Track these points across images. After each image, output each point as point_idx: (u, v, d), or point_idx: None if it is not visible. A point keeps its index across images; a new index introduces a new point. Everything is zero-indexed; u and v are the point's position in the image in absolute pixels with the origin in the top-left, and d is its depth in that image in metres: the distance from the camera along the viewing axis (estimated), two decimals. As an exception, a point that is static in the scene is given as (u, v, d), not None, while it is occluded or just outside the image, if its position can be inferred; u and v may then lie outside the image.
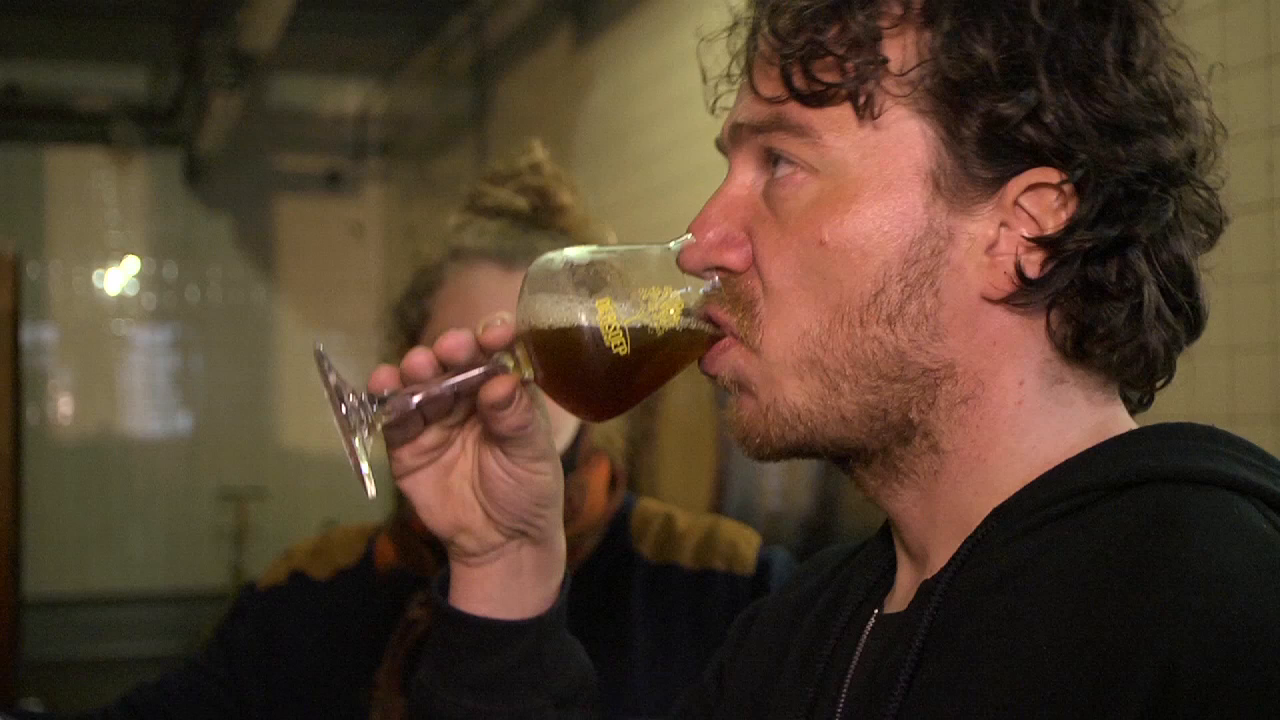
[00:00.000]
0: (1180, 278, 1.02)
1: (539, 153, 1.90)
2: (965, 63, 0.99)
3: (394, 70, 9.45)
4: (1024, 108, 0.98)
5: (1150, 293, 1.00)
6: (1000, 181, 1.00)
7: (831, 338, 1.03)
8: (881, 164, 1.02)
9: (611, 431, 1.93)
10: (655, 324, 1.10)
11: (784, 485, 3.42)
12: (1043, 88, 0.97)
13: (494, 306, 1.78)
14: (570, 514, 1.82)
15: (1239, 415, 2.62)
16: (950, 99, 1.00)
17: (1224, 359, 2.64)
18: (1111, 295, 0.99)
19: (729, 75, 1.14)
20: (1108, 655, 0.86)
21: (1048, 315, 1.02)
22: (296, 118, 10.42)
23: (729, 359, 1.09)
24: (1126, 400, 1.09)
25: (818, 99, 1.03)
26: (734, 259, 1.09)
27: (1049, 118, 0.98)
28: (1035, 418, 1.02)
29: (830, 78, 1.02)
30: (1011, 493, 1.01)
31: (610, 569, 1.84)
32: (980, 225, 1.01)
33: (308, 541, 1.95)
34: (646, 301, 1.10)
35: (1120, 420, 1.06)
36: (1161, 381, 1.07)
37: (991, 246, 1.01)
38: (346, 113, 10.32)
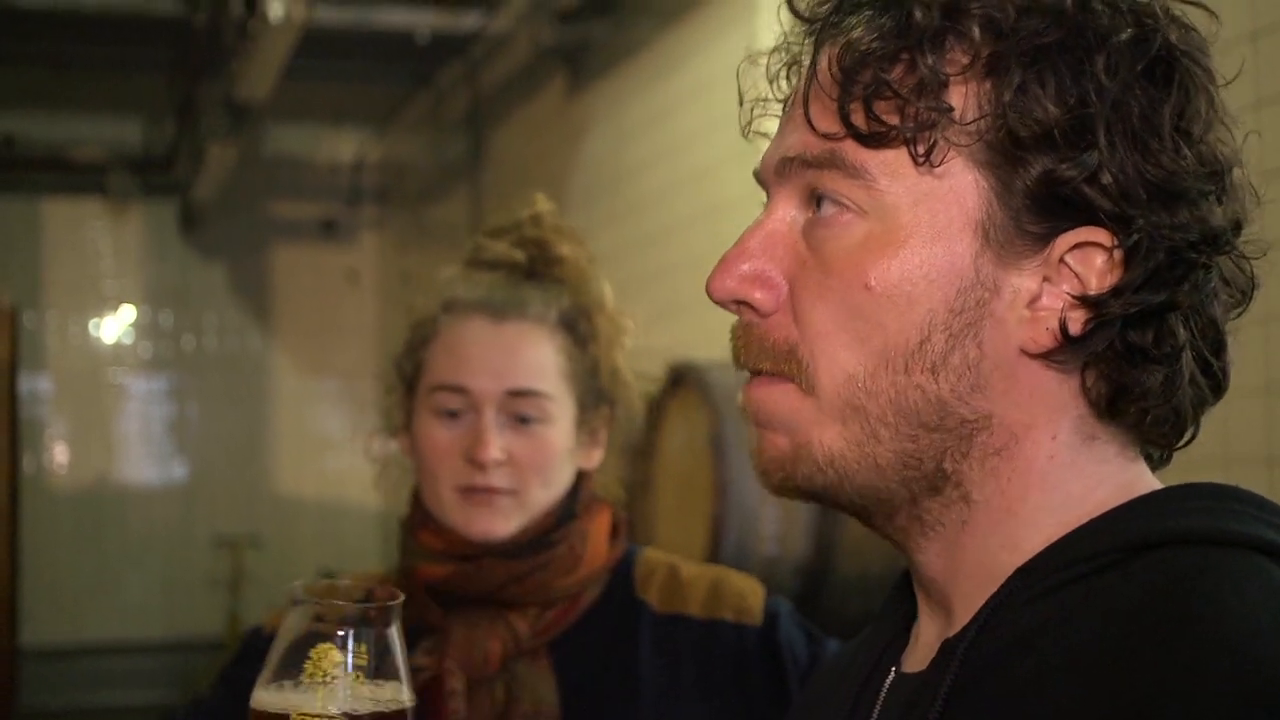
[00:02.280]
0: (1212, 341, 1.02)
1: (541, 205, 1.91)
2: (1030, 119, 0.98)
3: (389, 119, 9.49)
4: (1084, 170, 0.97)
5: (1186, 358, 1.00)
6: (1049, 237, 0.99)
7: (875, 383, 1.01)
8: (933, 212, 1.00)
9: (610, 480, 1.93)
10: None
11: (780, 531, 3.42)
12: (1102, 149, 0.97)
13: (482, 357, 1.79)
14: (573, 563, 1.83)
15: (1233, 459, 2.63)
16: (1010, 153, 0.99)
17: (1218, 404, 2.64)
18: (1150, 359, 0.99)
19: (775, 102, 1.12)
20: (1132, 717, 0.85)
21: (1083, 374, 1.01)
22: (292, 166, 10.44)
23: (778, 396, 1.06)
24: (1148, 458, 1.07)
25: (876, 140, 1.01)
26: (762, 298, 1.07)
27: (1106, 179, 0.97)
28: (1065, 473, 1.02)
29: (892, 119, 1.01)
30: (1037, 549, 1.00)
31: (616, 617, 1.85)
32: (1025, 279, 1.00)
33: (316, 585, 1.95)
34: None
35: (1145, 479, 1.05)
36: (1184, 441, 1.06)
37: (1034, 301, 1.00)
38: (341, 161, 10.35)
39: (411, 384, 1.87)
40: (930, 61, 1.00)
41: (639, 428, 1.91)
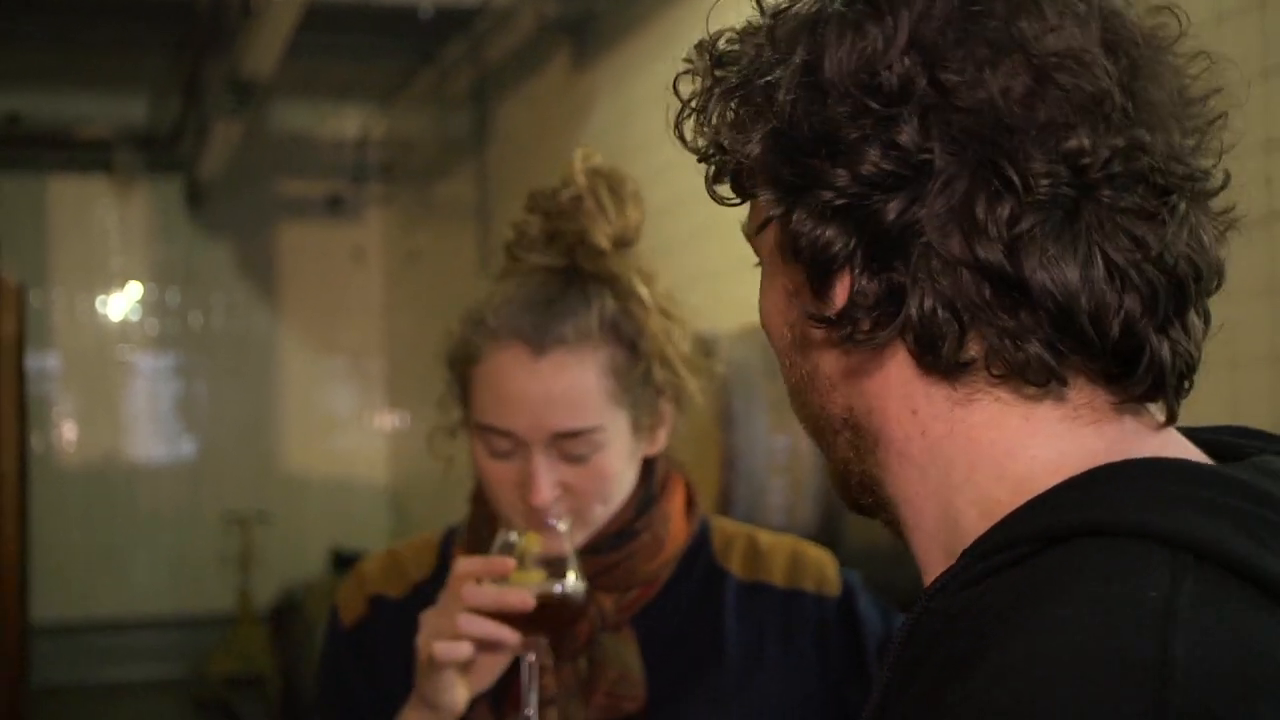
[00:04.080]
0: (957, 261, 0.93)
1: (579, 180, 1.82)
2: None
3: (393, 94, 9.48)
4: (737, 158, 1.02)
5: (930, 289, 0.93)
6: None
7: (796, 408, 1.07)
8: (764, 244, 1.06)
9: (677, 447, 1.91)
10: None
11: (788, 502, 3.43)
12: (750, 137, 1.00)
13: (523, 399, 1.74)
14: (657, 548, 1.83)
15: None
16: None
17: (1225, 374, 2.65)
18: (882, 306, 0.95)
19: None
20: None
21: (899, 338, 0.96)
22: (297, 143, 10.44)
23: None
24: (1170, 417, 0.99)
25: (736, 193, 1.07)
26: None
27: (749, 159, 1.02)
28: (955, 448, 0.97)
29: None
30: (979, 530, 0.95)
31: (699, 586, 1.85)
32: (786, 280, 1.03)
33: (375, 562, 1.94)
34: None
35: (1117, 448, 0.96)
36: (1142, 387, 0.95)
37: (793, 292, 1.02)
38: (347, 137, 10.34)
39: (465, 386, 1.82)
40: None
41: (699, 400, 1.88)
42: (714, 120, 1.03)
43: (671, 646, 1.82)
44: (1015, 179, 0.90)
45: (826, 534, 3.33)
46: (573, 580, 1.70)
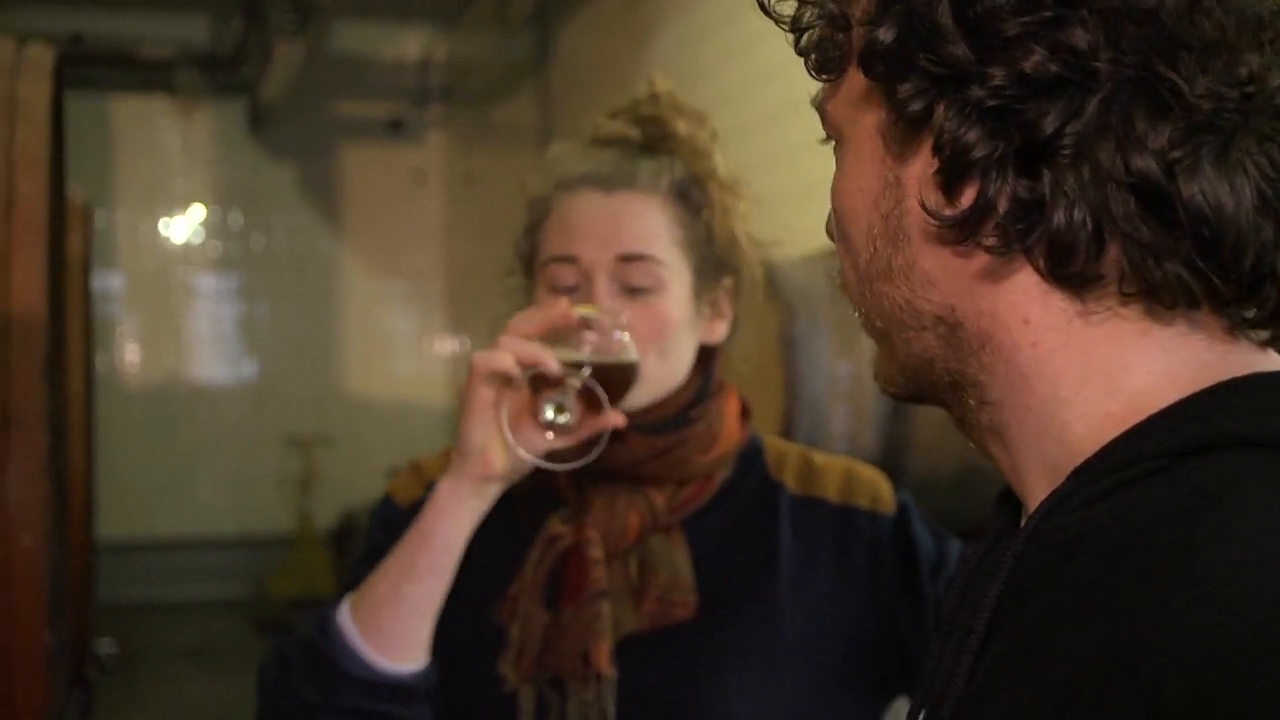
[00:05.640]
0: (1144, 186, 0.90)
1: (660, 85, 1.89)
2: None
3: (455, 16, 9.44)
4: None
5: (1079, 201, 0.90)
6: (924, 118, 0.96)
7: (864, 297, 1.04)
8: (854, 121, 1.02)
9: (735, 359, 1.92)
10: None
11: (851, 429, 3.41)
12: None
13: (591, 227, 1.79)
14: (710, 440, 1.83)
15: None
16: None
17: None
18: (1043, 204, 0.91)
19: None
20: (1109, 662, 0.81)
21: (1024, 248, 0.94)
22: (358, 65, 10.43)
23: None
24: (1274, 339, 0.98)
25: (818, 68, 1.05)
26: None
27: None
28: (1068, 360, 0.95)
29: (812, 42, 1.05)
30: (1092, 447, 0.94)
31: (753, 496, 1.86)
32: (915, 168, 0.97)
33: (434, 458, 1.96)
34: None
35: (1231, 363, 0.95)
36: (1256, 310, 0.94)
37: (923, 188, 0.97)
38: (408, 59, 10.33)
39: (529, 264, 1.86)
40: None
41: (760, 299, 1.89)
42: None
43: (723, 554, 1.82)
44: (1181, 96, 0.88)
45: (888, 463, 3.31)
46: (626, 340, 1.72)
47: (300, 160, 10.53)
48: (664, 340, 1.78)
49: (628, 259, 1.77)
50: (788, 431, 3.31)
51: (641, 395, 1.78)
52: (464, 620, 1.78)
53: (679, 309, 1.80)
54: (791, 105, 5.34)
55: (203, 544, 10.36)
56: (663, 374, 1.80)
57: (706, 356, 1.87)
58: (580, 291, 1.78)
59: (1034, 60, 0.89)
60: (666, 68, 6.16)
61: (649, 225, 1.80)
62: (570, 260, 1.79)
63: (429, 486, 1.86)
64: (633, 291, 1.77)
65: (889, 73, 0.94)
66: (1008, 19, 0.89)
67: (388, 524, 1.89)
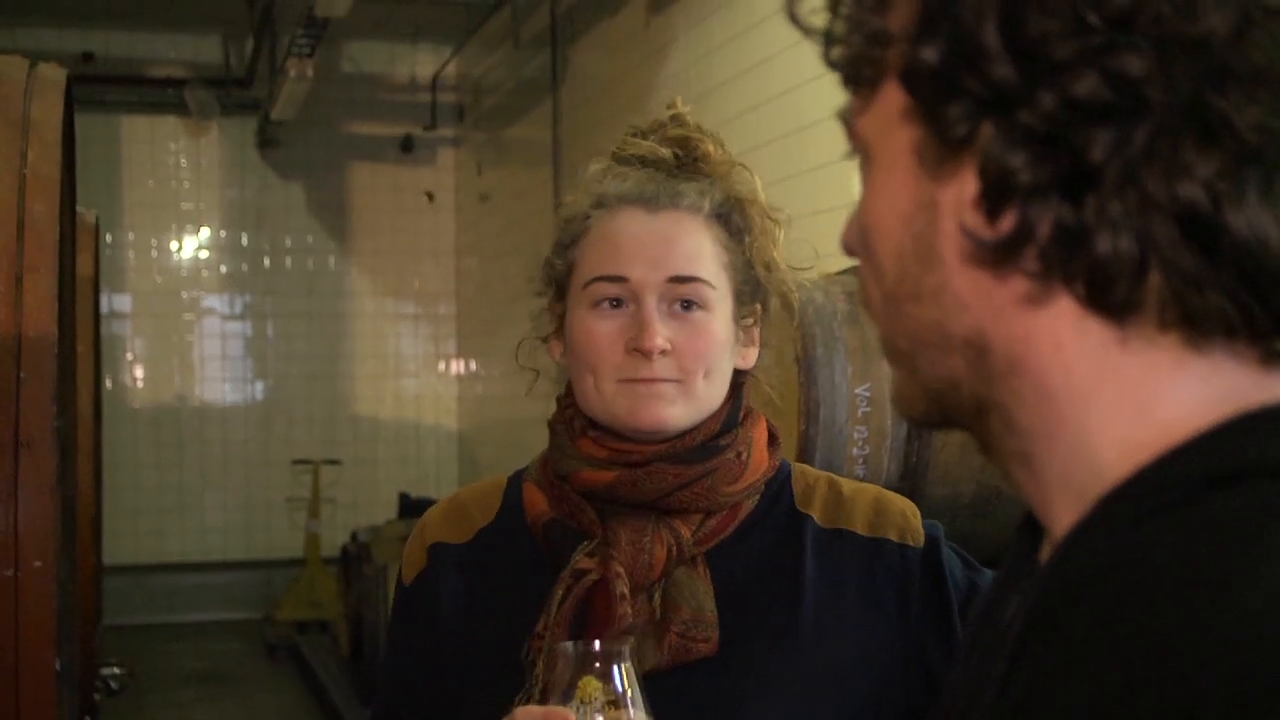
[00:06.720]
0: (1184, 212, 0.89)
1: (680, 105, 1.88)
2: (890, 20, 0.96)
3: (468, 36, 9.45)
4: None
5: (1124, 229, 0.89)
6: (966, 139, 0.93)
7: (890, 318, 1.01)
8: (883, 137, 0.99)
9: (763, 392, 1.91)
10: None
11: (869, 453, 3.38)
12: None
13: (640, 246, 1.78)
14: (739, 470, 1.81)
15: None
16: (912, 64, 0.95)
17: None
18: (1088, 229, 0.89)
19: None
20: (1141, 689, 0.80)
21: (1061, 271, 0.92)
22: (370, 84, 10.44)
23: None
24: None
25: (847, 81, 1.01)
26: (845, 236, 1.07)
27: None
28: (1101, 387, 0.94)
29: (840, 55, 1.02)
30: (1124, 474, 0.92)
31: (779, 528, 1.84)
32: (952, 189, 0.94)
33: (437, 511, 1.95)
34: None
35: (1265, 392, 0.93)
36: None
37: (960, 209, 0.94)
38: (420, 78, 10.33)
39: (561, 283, 1.84)
40: None
41: (794, 325, 1.88)
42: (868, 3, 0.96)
43: (747, 589, 1.80)
44: (1231, 126, 0.86)
45: (907, 485, 3.29)
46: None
47: (311, 180, 10.53)
48: (711, 359, 1.77)
49: (679, 280, 1.77)
50: (805, 455, 3.29)
51: (685, 417, 1.76)
52: (494, 662, 1.77)
53: (724, 329, 1.78)
54: (802, 124, 5.30)
55: (210, 566, 10.33)
56: (707, 393, 1.78)
57: (736, 383, 1.85)
58: (627, 310, 1.76)
59: (1086, 86, 0.87)
60: (677, 87, 6.15)
61: (697, 246, 1.79)
62: (619, 280, 1.77)
63: (430, 550, 1.87)
64: (682, 308, 1.76)
65: (934, 94, 0.92)
66: (1058, 43, 0.87)
67: (400, 609, 1.91)
